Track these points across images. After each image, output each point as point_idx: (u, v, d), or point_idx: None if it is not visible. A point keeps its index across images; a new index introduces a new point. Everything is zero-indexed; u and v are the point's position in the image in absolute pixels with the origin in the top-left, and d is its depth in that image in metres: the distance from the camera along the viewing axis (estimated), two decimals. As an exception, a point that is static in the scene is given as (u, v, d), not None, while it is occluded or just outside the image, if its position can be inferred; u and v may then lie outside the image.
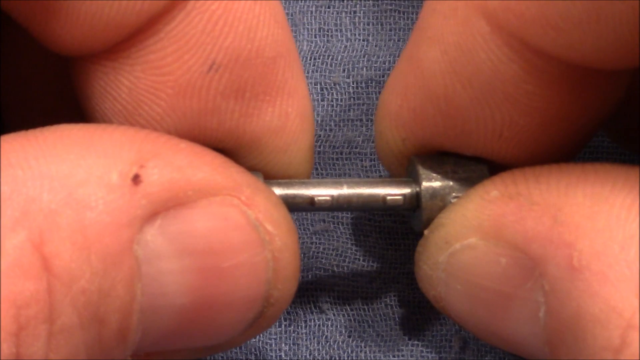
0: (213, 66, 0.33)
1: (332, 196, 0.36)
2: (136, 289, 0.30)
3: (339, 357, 0.41)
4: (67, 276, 0.29)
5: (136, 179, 0.30)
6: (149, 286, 0.31)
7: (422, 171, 0.36)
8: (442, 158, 0.36)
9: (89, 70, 0.34)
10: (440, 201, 0.35)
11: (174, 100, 0.33)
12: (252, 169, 0.35)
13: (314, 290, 0.42)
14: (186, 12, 0.33)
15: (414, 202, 0.36)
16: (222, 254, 0.31)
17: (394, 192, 0.36)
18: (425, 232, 0.35)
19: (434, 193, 0.36)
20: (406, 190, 0.36)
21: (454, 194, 0.35)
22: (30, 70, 0.38)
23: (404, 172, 0.37)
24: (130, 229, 0.30)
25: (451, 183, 0.36)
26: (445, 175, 0.36)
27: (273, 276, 0.33)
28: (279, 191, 0.35)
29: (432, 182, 0.36)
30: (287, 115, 0.35)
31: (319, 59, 0.44)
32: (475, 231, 0.33)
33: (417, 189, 0.36)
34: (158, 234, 0.31)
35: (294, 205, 0.36)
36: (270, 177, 0.36)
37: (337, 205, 0.36)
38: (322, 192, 0.36)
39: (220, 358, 0.41)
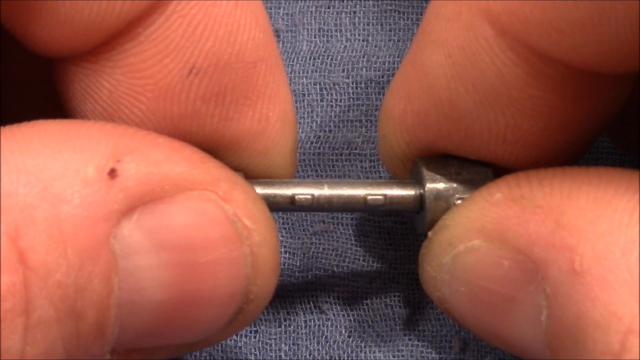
0: (193, 70, 0.33)
1: (312, 195, 0.36)
2: (113, 284, 0.30)
3: (339, 357, 0.41)
4: (43, 269, 0.29)
5: (112, 173, 0.30)
6: (127, 281, 0.31)
7: (426, 173, 0.36)
8: (446, 160, 0.36)
9: (70, 72, 0.34)
10: (444, 202, 0.35)
11: (153, 104, 0.33)
12: (233, 169, 0.35)
13: (314, 290, 0.42)
14: (166, 16, 0.33)
15: (418, 204, 0.36)
16: (199, 249, 0.31)
17: (376, 193, 0.36)
18: (429, 233, 0.35)
19: (438, 194, 0.36)
20: (410, 192, 0.36)
21: (457, 195, 0.35)
22: (18, 70, 0.38)
23: (408, 176, 0.37)
24: (106, 223, 0.30)
25: (455, 185, 0.36)
26: (449, 177, 0.36)
27: (252, 272, 0.33)
28: (259, 190, 0.35)
29: (436, 184, 0.36)
30: (268, 119, 0.35)
31: (319, 59, 0.44)
32: (478, 233, 0.33)
33: (421, 190, 0.36)
34: (135, 228, 0.31)
35: (274, 205, 0.36)
36: (251, 178, 0.36)
37: (317, 205, 0.36)
38: (303, 192, 0.36)
39: (220, 358, 0.41)
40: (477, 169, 0.36)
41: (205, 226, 0.32)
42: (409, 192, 0.36)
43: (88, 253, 0.30)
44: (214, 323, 0.33)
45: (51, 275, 0.29)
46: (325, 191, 0.36)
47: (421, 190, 0.36)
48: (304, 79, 0.44)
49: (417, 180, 0.36)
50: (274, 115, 0.35)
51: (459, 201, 0.35)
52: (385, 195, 0.36)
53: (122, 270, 0.30)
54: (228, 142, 0.35)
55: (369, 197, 0.36)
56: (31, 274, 0.29)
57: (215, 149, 0.35)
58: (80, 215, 0.29)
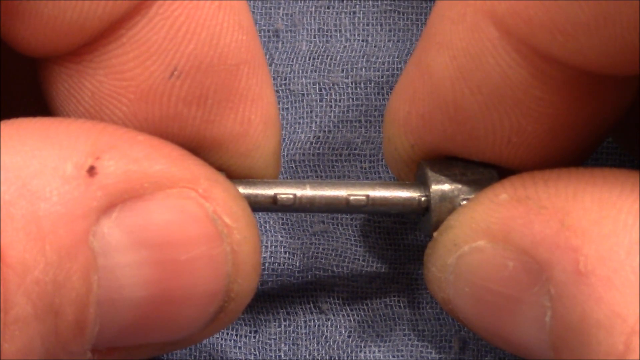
0: (175, 72, 0.33)
1: (294, 195, 0.36)
2: (92, 281, 0.30)
3: (339, 357, 0.41)
4: (21, 267, 0.29)
5: (91, 171, 0.30)
6: (106, 279, 0.31)
7: (431, 174, 0.36)
8: (451, 162, 0.36)
9: (54, 72, 0.34)
10: (450, 203, 0.36)
11: (135, 106, 0.33)
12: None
13: (313, 290, 0.42)
14: (149, 18, 0.33)
15: (423, 206, 0.36)
16: (179, 247, 0.32)
17: (358, 194, 0.36)
18: (435, 234, 0.35)
19: (443, 195, 0.36)
20: (415, 194, 0.36)
21: (463, 196, 0.36)
22: (4, 68, 0.38)
23: (413, 178, 0.37)
24: (85, 221, 0.30)
25: (460, 186, 0.36)
26: (454, 177, 0.36)
27: (233, 270, 0.33)
28: (241, 189, 0.35)
29: (441, 185, 0.36)
30: (250, 122, 0.35)
31: (318, 59, 0.44)
32: (483, 234, 0.33)
33: (427, 192, 0.36)
34: (114, 226, 0.31)
35: (256, 204, 0.36)
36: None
37: (299, 205, 0.36)
38: (285, 191, 0.36)
39: (219, 358, 0.41)
40: (482, 170, 0.36)
41: (185, 224, 0.32)
42: (414, 193, 0.36)
43: (66, 250, 0.29)
44: (195, 321, 0.33)
45: (29, 272, 0.29)
46: (307, 191, 0.36)
47: (426, 192, 0.36)
48: (304, 79, 0.44)
49: (421, 182, 0.36)
50: (256, 117, 0.35)
51: (464, 202, 0.35)
52: (367, 196, 0.36)
53: (101, 267, 0.30)
54: (210, 143, 0.35)
55: (351, 197, 0.36)
56: (8, 271, 0.29)
57: (197, 150, 0.35)
58: (58, 212, 0.29)
